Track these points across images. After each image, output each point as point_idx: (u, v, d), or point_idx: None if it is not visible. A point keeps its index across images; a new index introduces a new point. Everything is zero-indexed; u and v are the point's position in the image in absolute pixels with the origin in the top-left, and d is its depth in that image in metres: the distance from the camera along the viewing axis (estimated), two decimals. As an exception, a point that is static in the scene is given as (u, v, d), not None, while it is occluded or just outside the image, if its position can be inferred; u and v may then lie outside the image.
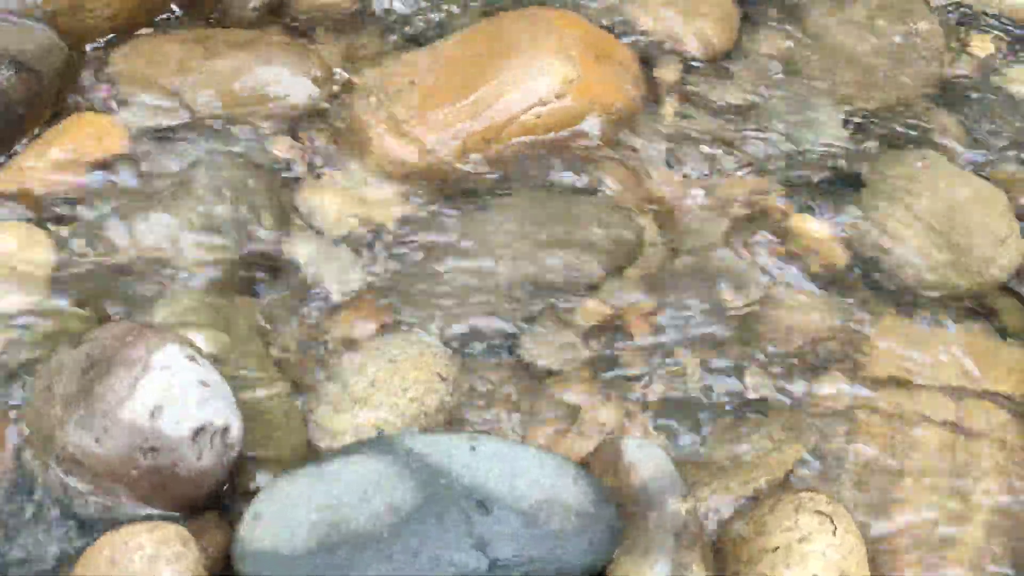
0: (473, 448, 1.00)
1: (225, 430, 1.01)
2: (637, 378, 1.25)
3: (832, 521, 1.04)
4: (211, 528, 1.02)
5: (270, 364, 1.21)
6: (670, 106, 1.62)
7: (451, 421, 1.17)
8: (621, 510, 1.02)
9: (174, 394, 0.99)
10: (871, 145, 1.58)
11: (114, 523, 0.99)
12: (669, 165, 1.53)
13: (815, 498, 1.08)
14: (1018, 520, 1.16)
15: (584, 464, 1.11)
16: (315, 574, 0.92)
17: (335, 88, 1.56)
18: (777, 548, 1.03)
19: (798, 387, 1.26)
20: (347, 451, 1.03)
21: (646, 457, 1.05)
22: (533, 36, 1.59)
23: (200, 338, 1.16)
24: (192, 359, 1.04)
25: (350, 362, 1.23)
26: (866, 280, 1.39)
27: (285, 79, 1.54)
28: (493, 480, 0.98)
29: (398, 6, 1.72)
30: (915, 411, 1.24)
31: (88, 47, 1.56)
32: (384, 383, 1.19)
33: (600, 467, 1.09)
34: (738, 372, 1.27)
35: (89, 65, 1.54)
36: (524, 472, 0.99)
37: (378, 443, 1.03)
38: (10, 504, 1.03)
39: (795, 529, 1.03)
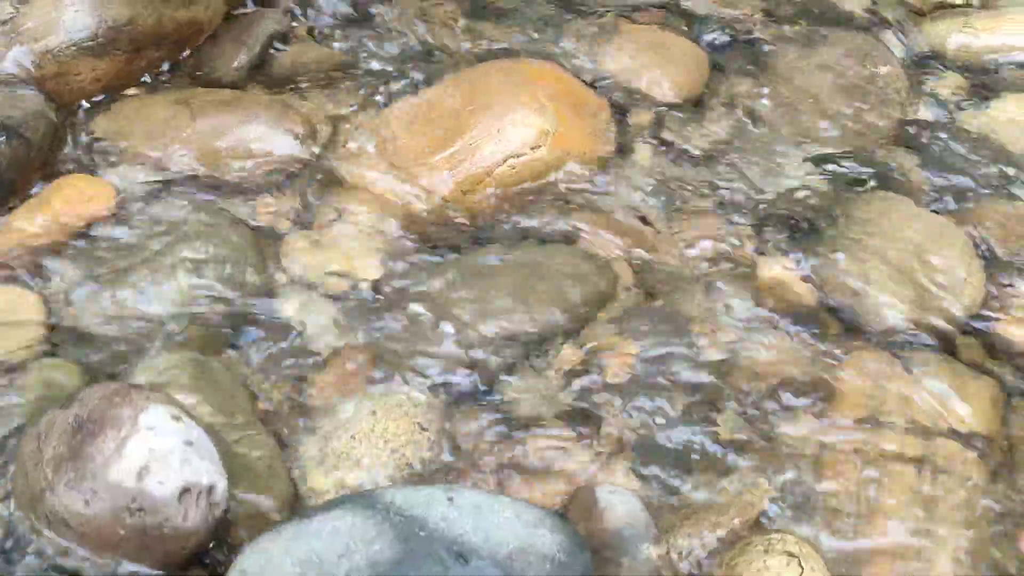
0: (451, 500, 1.04)
1: (210, 489, 1.04)
2: (613, 423, 1.29)
3: (800, 563, 1.07)
4: (197, 585, 1.05)
5: (255, 420, 1.24)
6: (643, 152, 1.67)
7: (431, 472, 1.21)
8: (596, 556, 1.06)
9: (160, 455, 1.03)
10: (837, 187, 1.63)
11: (102, 583, 1.02)
12: (642, 211, 1.58)
13: (784, 539, 1.11)
14: (985, 556, 1.20)
15: (561, 511, 1.14)
16: (299, 628, 0.95)
17: (317, 143, 1.61)
18: (747, 590, 1.06)
19: (769, 428, 1.29)
20: (329, 506, 1.06)
21: (619, 503, 1.09)
22: (508, 88, 1.64)
23: (186, 396, 1.20)
24: (177, 419, 1.07)
25: (332, 415, 1.26)
26: (833, 320, 1.43)
27: (268, 136, 1.59)
28: (471, 531, 1.01)
29: (377, 60, 1.78)
30: (884, 449, 1.28)
31: (76, 109, 1.61)
32: (366, 436, 1.22)
33: (576, 514, 1.12)
34: (711, 414, 1.30)
35: (77, 127, 1.59)
36: (501, 522, 1.03)
37: (359, 497, 1.06)
38: None
39: (764, 570, 1.07)
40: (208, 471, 1.05)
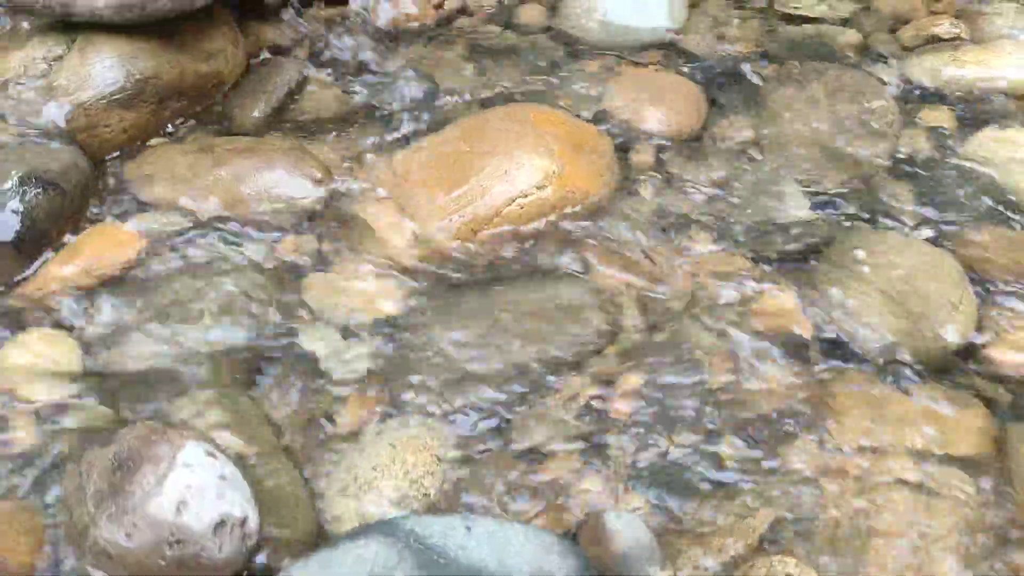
0: (468, 528, 1.10)
1: (243, 521, 1.11)
2: (620, 451, 1.35)
3: (799, 583, 1.13)
4: (232, 612, 1.11)
5: (281, 454, 1.31)
6: (645, 189, 1.74)
7: (449, 500, 1.27)
8: (605, 580, 1.12)
9: (197, 489, 1.09)
10: (832, 218, 1.69)
11: (144, 611, 1.08)
12: (645, 246, 1.64)
13: (785, 561, 1.17)
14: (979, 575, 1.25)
15: (572, 536, 1.21)
16: (327, 651, 1.01)
17: (334, 187, 1.69)
18: (749, 610, 1.12)
19: (770, 454, 1.35)
20: (353, 534, 1.12)
21: (625, 528, 1.15)
22: (514, 131, 1.71)
23: (217, 432, 1.27)
24: (211, 455, 1.14)
25: (354, 448, 1.33)
26: (830, 349, 1.48)
27: (287, 181, 1.67)
28: (487, 557, 1.07)
29: (390, 106, 1.86)
30: (880, 473, 1.33)
31: (106, 159, 1.69)
32: (386, 467, 1.29)
33: (586, 538, 1.18)
34: (714, 442, 1.36)
35: (107, 176, 1.67)
36: (515, 548, 1.09)
37: (382, 526, 1.12)
38: (46, 596, 1.13)
39: (765, 592, 1.12)
40: (241, 504, 1.12)
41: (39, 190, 1.51)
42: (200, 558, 1.08)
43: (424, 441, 1.32)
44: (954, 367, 1.47)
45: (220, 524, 1.09)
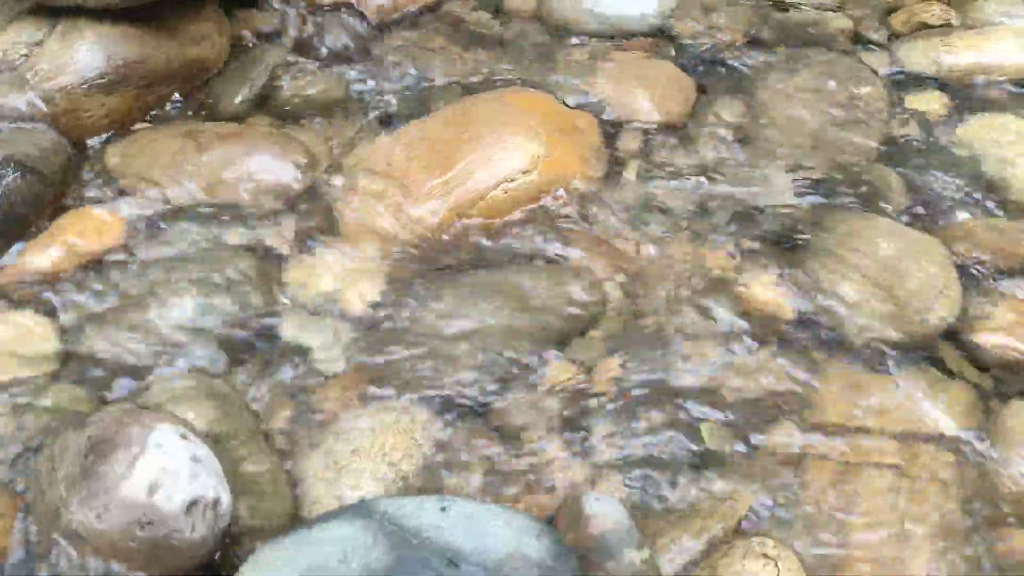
0: (443, 509, 1.09)
1: (216, 502, 1.10)
2: (601, 434, 1.34)
3: (776, 564, 1.12)
4: (204, 594, 1.10)
5: (259, 437, 1.30)
6: (632, 174, 1.73)
7: (427, 483, 1.26)
8: (582, 561, 1.11)
9: (169, 471, 1.09)
10: (819, 204, 1.68)
11: (115, 592, 1.07)
12: (631, 231, 1.64)
13: (763, 543, 1.16)
14: (957, 557, 1.24)
15: (551, 519, 1.20)
16: (300, 633, 1.00)
17: (318, 172, 1.68)
18: (726, 591, 1.11)
19: (752, 437, 1.35)
20: (328, 516, 1.12)
21: (604, 510, 1.14)
22: (501, 116, 1.71)
23: (193, 416, 1.26)
24: (184, 437, 1.14)
25: (333, 431, 1.32)
26: (814, 333, 1.48)
27: (271, 166, 1.66)
28: (462, 538, 1.06)
29: (376, 91, 1.85)
30: (862, 456, 1.33)
31: (87, 144, 1.69)
32: (365, 451, 1.28)
33: (564, 521, 1.18)
34: (695, 425, 1.36)
35: (89, 161, 1.66)
36: (491, 530, 1.08)
37: (357, 508, 1.12)
38: (20, 578, 1.12)
39: (742, 572, 1.12)
40: (214, 486, 1.11)
41: (17, 175, 1.51)
42: (172, 539, 1.07)
43: (403, 424, 1.32)
44: (939, 351, 1.46)
45: (192, 505, 1.08)
